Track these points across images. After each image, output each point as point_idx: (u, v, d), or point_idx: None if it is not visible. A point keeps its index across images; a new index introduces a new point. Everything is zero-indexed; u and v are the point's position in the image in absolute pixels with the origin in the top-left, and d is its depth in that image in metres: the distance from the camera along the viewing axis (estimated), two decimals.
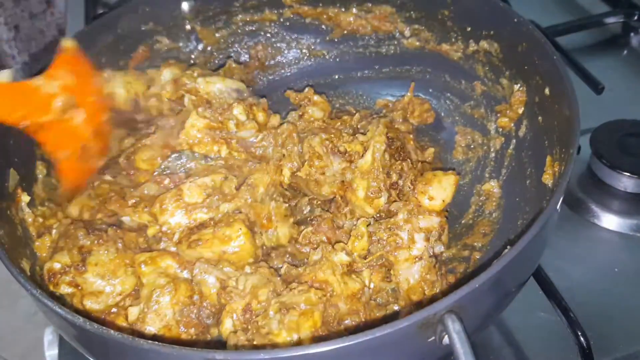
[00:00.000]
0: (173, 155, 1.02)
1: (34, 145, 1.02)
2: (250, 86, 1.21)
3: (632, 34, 1.49)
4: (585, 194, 1.14)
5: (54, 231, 0.96)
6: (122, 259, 0.93)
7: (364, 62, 1.30)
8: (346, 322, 0.88)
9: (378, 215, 1.01)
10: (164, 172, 1.01)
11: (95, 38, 1.14)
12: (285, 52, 1.33)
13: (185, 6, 1.25)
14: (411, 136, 1.12)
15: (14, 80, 0.88)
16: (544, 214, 0.74)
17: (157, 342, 0.65)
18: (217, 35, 1.29)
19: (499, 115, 1.11)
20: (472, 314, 0.68)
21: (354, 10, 1.26)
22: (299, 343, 0.81)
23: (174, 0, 1.24)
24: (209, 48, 1.30)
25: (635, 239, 1.09)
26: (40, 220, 0.97)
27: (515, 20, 1.03)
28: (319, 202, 1.07)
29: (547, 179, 0.92)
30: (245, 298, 0.88)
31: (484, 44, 1.12)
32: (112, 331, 0.67)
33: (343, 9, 1.27)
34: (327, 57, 1.33)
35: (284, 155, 1.05)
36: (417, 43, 1.24)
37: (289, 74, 1.34)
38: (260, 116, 1.10)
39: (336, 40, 1.31)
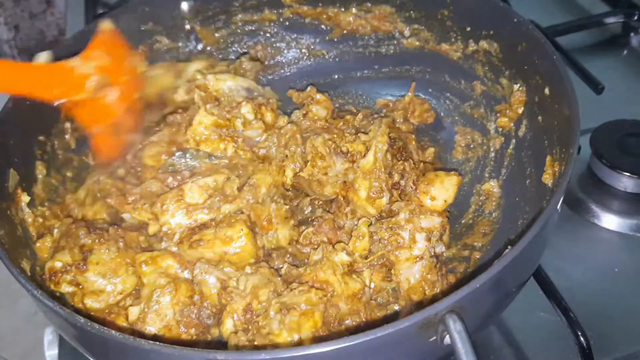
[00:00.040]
0: (177, 153, 1.02)
1: (34, 145, 1.02)
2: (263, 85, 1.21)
3: (632, 34, 1.49)
4: (585, 194, 1.14)
5: (55, 231, 0.96)
6: (123, 258, 0.93)
7: (364, 62, 1.30)
8: (347, 322, 0.88)
9: (379, 215, 1.01)
10: (168, 170, 1.01)
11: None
12: (285, 52, 1.33)
13: (184, 6, 1.25)
14: (413, 136, 1.12)
15: (52, 61, 0.94)
16: (544, 214, 0.74)
17: (158, 343, 0.65)
18: (216, 35, 1.29)
19: (498, 115, 1.11)
20: (473, 314, 0.68)
21: (354, 10, 1.26)
22: (299, 343, 0.81)
23: (174, 0, 1.24)
24: (208, 48, 1.30)
25: (635, 239, 1.09)
26: (40, 220, 0.97)
27: (515, 20, 1.03)
28: (321, 202, 1.07)
29: (547, 178, 0.92)
30: (245, 298, 0.88)
31: (483, 44, 1.12)
32: (112, 331, 0.67)
33: (343, 9, 1.27)
34: (326, 57, 1.33)
35: (286, 156, 1.05)
36: (417, 43, 1.24)
37: (288, 73, 1.34)
38: (269, 116, 1.10)
39: (336, 40, 1.31)
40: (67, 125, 1.08)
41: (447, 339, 0.64)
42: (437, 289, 0.94)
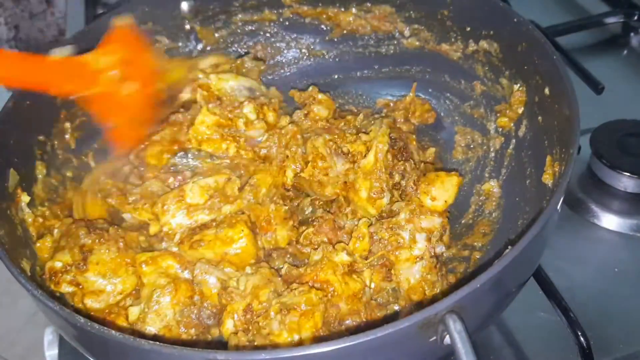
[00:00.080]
0: (180, 154, 1.03)
1: (34, 145, 1.02)
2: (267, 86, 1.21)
3: (632, 34, 1.49)
4: (585, 194, 1.14)
5: (55, 231, 0.96)
6: (123, 258, 0.93)
7: (364, 62, 1.30)
8: (347, 322, 0.88)
9: (380, 215, 1.01)
10: (170, 170, 1.01)
11: (95, 38, 1.14)
12: (285, 52, 1.33)
13: (184, 6, 1.25)
14: (413, 136, 1.12)
15: (73, 55, 0.94)
16: (544, 214, 0.74)
17: (158, 343, 0.65)
18: (216, 35, 1.29)
19: (498, 115, 1.11)
20: (473, 314, 0.68)
21: (354, 10, 1.26)
22: (300, 343, 0.81)
23: (174, 0, 1.24)
24: (208, 48, 1.29)
25: (635, 239, 1.09)
26: (40, 220, 0.97)
27: (515, 20, 1.03)
28: (321, 202, 1.07)
29: (547, 178, 0.92)
30: (246, 298, 0.88)
31: (483, 44, 1.12)
32: (112, 331, 0.67)
33: (342, 9, 1.27)
34: (326, 57, 1.33)
35: (287, 156, 1.05)
36: (417, 43, 1.24)
37: (288, 73, 1.34)
38: (271, 116, 1.09)
39: (336, 40, 1.31)
40: (67, 125, 1.08)
41: (447, 339, 0.64)
42: (437, 289, 0.94)
